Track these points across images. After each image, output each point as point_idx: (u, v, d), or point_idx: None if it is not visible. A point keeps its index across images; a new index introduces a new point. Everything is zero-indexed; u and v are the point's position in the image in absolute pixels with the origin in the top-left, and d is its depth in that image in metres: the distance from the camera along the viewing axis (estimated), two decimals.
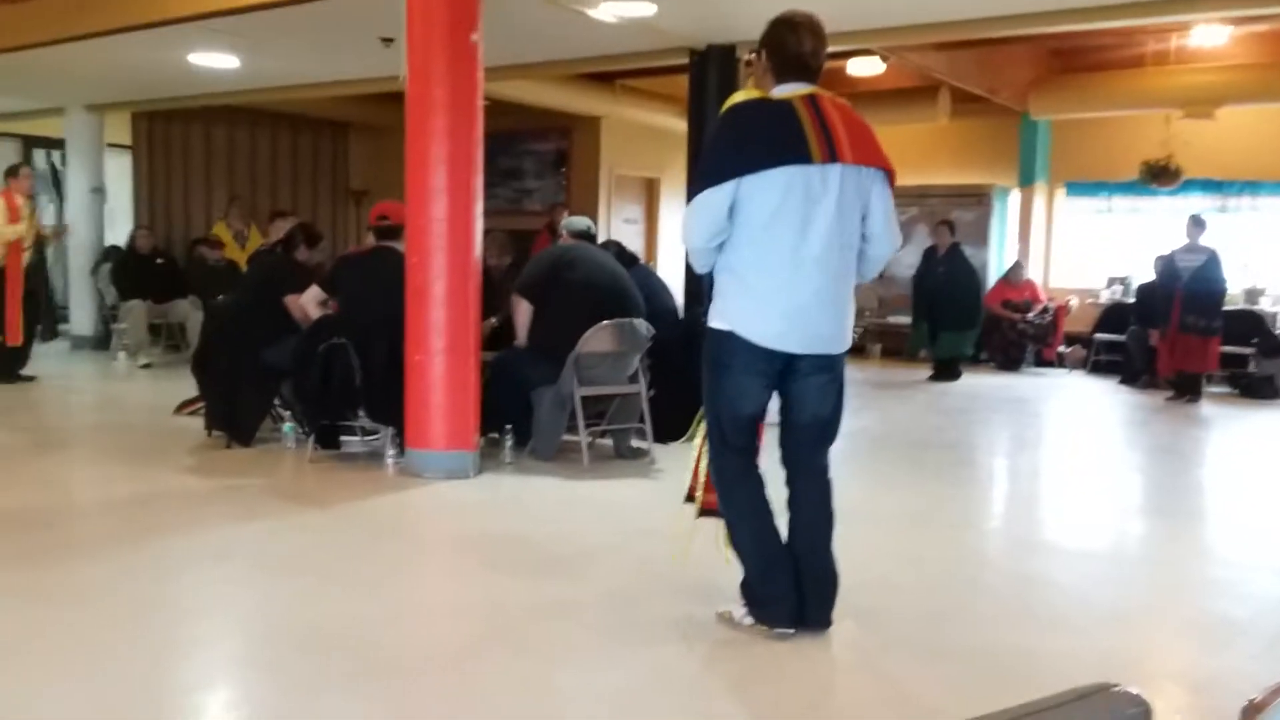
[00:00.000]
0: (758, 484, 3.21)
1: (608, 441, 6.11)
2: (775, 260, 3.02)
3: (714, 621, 3.28)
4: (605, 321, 5.58)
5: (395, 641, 3.20)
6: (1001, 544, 4.78)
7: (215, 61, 8.80)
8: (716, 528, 3.33)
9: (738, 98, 3.13)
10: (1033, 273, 11.93)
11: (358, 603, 3.50)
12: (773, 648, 3.11)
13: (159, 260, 10.83)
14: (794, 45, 3.10)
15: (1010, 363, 11.43)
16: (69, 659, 2.94)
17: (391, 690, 2.79)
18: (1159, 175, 11.10)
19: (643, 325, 5.76)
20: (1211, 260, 9.22)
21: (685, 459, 3.55)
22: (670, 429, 5.95)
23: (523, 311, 5.78)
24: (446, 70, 5.25)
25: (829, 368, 3.15)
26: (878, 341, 12.59)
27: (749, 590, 3.22)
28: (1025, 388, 10.19)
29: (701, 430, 3.35)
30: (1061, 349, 11.61)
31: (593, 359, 5.61)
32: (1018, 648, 3.19)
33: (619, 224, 13.13)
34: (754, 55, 3.23)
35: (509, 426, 5.75)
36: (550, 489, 5.27)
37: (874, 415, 8.03)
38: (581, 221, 6.39)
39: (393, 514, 4.82)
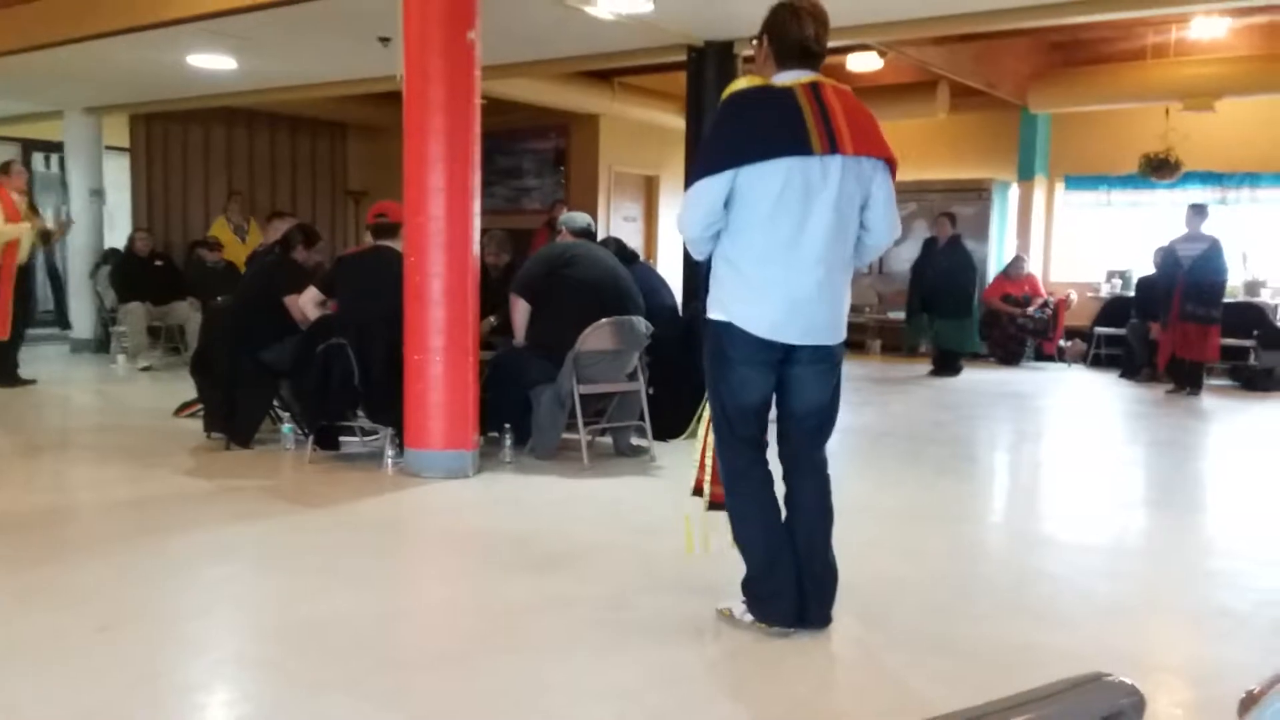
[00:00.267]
0: (765, 479, 3.19)
1: (607, 440, 6.11)
2: (773, 251, 3.01)
3: (714, 619, 3.28)
4: (604, 319, 5.58)
5: (395, 640, 3.20)
6: (1002, 538, 4.78)
7: (213, 63, 8.81)
8: (723, 522, 3.30)
9: (739, 84, 3.09)
10: (1032, 267, 11.93)
11: (358, 601, 3.50)
12: (773, 645, 3.10)
13: (158, 262, 10.84)
14: (796, 31, 3.06)
15: (1010, 357, 11.43)
16: (68, 659, 2.93)
17: (392, 689, 2.79)
18: (1159, 168, 11.09)
19: (641, 323, 5.75)
20: (1213, 249, 9.21)
21: (686, 456, 3.55)
22: (670, 426, 5.95)
23: (520, 310, 5.77)
24: (443, 69, 5.24)
25: (827, 357, 3.14)
26: (877, 337, 12.59)
27: (750, 587, 3.21)
28: (1025, 382, 10.19)
29: (705, 424, 3.33)
30: (1062, 343, 11.61)
31: (592, 357, 5.60)
32: (1018, 641, 3.19)
33: (618, 222, 13.13)
34: (755, 41, 3.19)
35: (508, 425, 5.74)
36: (550, 487, 5.26)
37: (874, 411, 8.03)
38: (581, 218, 6.35)
39: (392, 514, 4.82)
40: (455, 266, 5.28)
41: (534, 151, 13.35)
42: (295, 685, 2.82)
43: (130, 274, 10.53)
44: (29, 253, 8.41)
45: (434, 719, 2.63)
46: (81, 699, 2.69)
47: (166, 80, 9.71)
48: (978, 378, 10.29)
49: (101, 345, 11.23)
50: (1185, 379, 9.34)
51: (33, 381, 8.52)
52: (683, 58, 7.98)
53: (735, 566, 3.23)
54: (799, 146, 2.95)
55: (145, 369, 9.80)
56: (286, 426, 6.02)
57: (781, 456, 3.24)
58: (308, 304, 5.81)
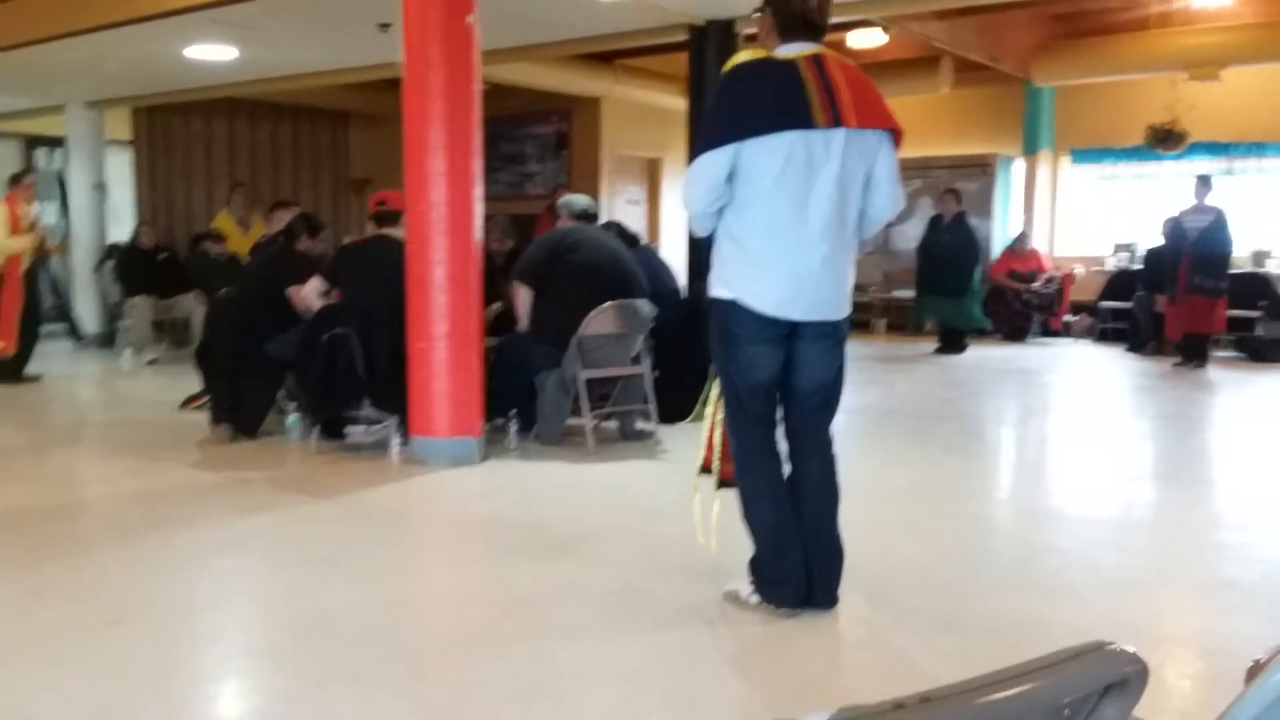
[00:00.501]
0: (775, 458, 3.18)
1: (613, 424, 6.10)
2: (777, 227, 2.98)
3: (721, 601, 3.28)
4: (607, 303, 5.56)
5: (405, 629, 3.20)
6: (1009, 514, 4.77)
7: (213, 54, 8.79)
8: (732, 504, 3.29)
9: (741, 57, 3.06)
10: (1038, 242, 11.89)
11: (366, 591, 3.50)
12: (781, 625, 3.10)
13: (162, 256, 10.85)
14: (799, 2, 3.02)
15: (1016, 333, 11.40)
16: (80, 654, 2.94)
17: (401, 677, 2.79)
18: (1165, 139, 11.02)
19: (645, 306, 5.74)
20: (1219, 220, 9.16)
21: (690, 439, 3.54)
22: (675, 409, 5.95)
23: (523, 297, 5.76)
24: (443, 54, 5.22)
25: (831, 333, 3.12)
26: (883, 316, 12.55)
27: (757, 567, 3.20)
28: (1031, 358, 10.16)
29: (713, 403, 3.32)
30: (1068, 318, 11.57)
31: (595, 341, 5.59)
32: (1027, 617, 3.18)
33: (621, 205, 13.10)
34: (757, 14, 3.16)
35: (513, 412, 5.74)
36: (556, 473, 5.26)
37: (880, 389, 8.02)
38: (581, 201, 6.29)
39: (399, 502, 4.82)
40: (458, 253, 5.27)
41: (536, 136, 13.31)
42: (305, 675, 2.83)
43: (134, 268, 10.54)
44: (29, 262, 8.41)
45: (444, 707, 2.63)
46: (93, 693, 2.70)
47: (167, 72, 9.69)
48: (984, 354, 10.26)
49: (107, 340, 11.25)
50: (1192, 352, 9.31)
51: (39, 377, 8.54)
52: (684, 37, 7.93)
53: (742, 548, 3.22)
54: (802, 119, 2.93)
55: (151, 362, 9.82)
56: (292, 417, 6.03)
57: (787, 435, 3.22)
58: (311, 294, 5.80)
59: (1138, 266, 10.96)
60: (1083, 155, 12.20)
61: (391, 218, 5.78)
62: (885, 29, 9.40)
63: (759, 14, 3.14)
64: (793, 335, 3.08)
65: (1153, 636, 3.10)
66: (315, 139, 13.78)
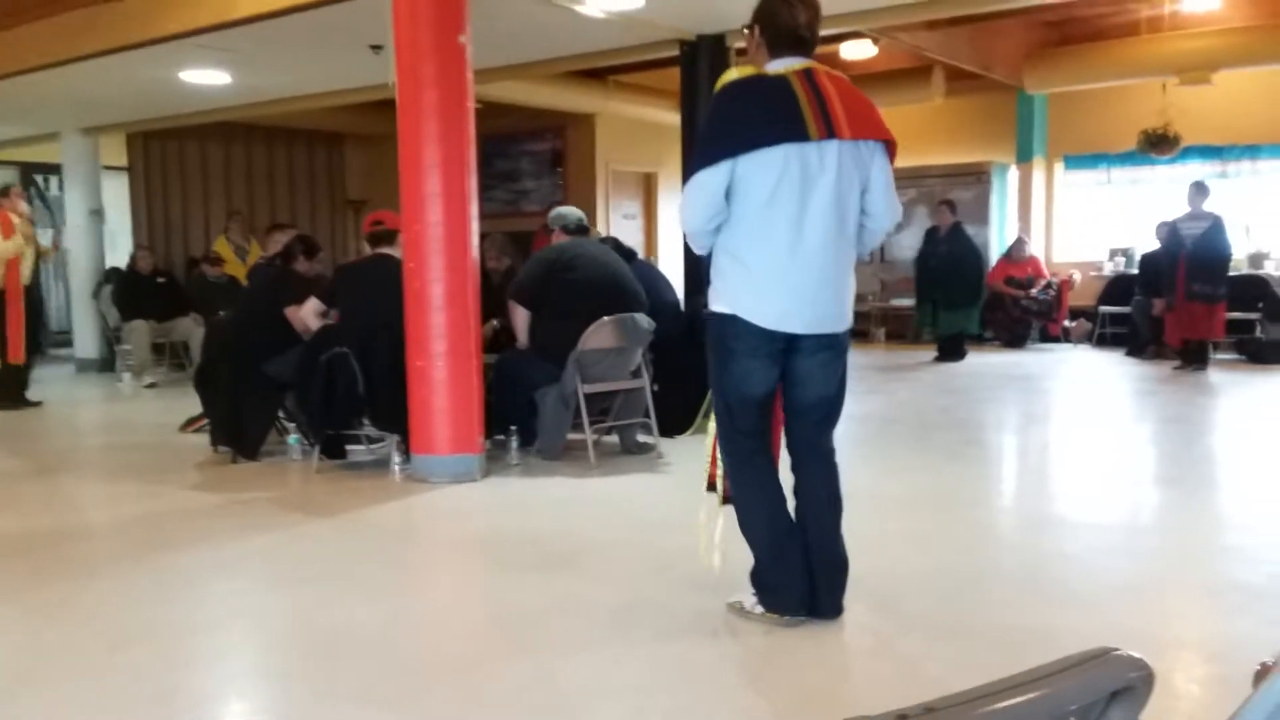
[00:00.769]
0: (769, 469, 3.17)
1: (613, 438, 6.10)
2: (775, 241, 2.98)
3: (726, 612, 3.27)
4: (606, 318, 5.56)
5: (409, 647, 3.19)
6: (1012, 521, 4.76)
7: (207, 79, 8.81)
8: (732, 516, 3.29)
9: (731, 75, 3.07)
10: (1034, 248, 11.89)
11: (369, 609, 3.49)
12: (786, 636, 3.09)
13: (160, 279, 10.85)
14: (787, 18, 3.04)
15: (1015, 340, 11.41)
16: (82, 677, 2.93)
17: (405, 694, 2.78)
18: (1157, 144, 11.04)
19: (644, 319, 5.73)
20: (1215, 226, 9.17)
21: (692, 452, 3.53)
22: (676, 422, 5.95)
23: (520, 317, 5.75)
24: (436, 74, 5.23)
25: (832, 345, 3.12)
26: (881, 325, 12.56)
27: (759, 578, 3.19)
28: (1031, 364, 10.16)
29: (714, 418, 3.32)
30: (1066, 323, 11.58)
31: (595, 355, 5.59)
32: (1032, 624, 3.17)
33: (618, 220, 13.12)
34: (746, 31, 3.17)
35: (514, 428, 5.73)
36: (558, 488, 5.26)
37: (880, 398, 8.01)
38: (573, 214, 6.21)
39: (401, 520, 4.82)
40: (455, 271, 5.27)
41: (531, 153, 13.34)
42: (309, 694, 2.82)
43: (133, 292, 10.55)
44: (30, 275, 8.41)
45: None
46: (96, 714, 2.69)
47: (162, 98, 9.71)
48: (983, 361, 10.26)
49: (106, 364, 11.25)
50: (1191, 356, 9.31)
51: (39, 403, 8.54)
52: (675, 53, 7.96)
53: (745, 560, 3.22)
54: (795, 133, 2.93)
55: (150, 386, 9.81)
56: (293, 437, 6.02)
57: (789, 447, 3.22)
58: (309, 315, 5.81)
59: (1134, 271, 10.96)
60: (1076, 161, 12.23)
61: (388, 237, 5.80)
62: (875, 41, 9.43)
63: (748, 31, 3.15)
64: (792, 349, 3.08)
65: (1159, 641, 3.09)
66: (311, 161, 13.81)
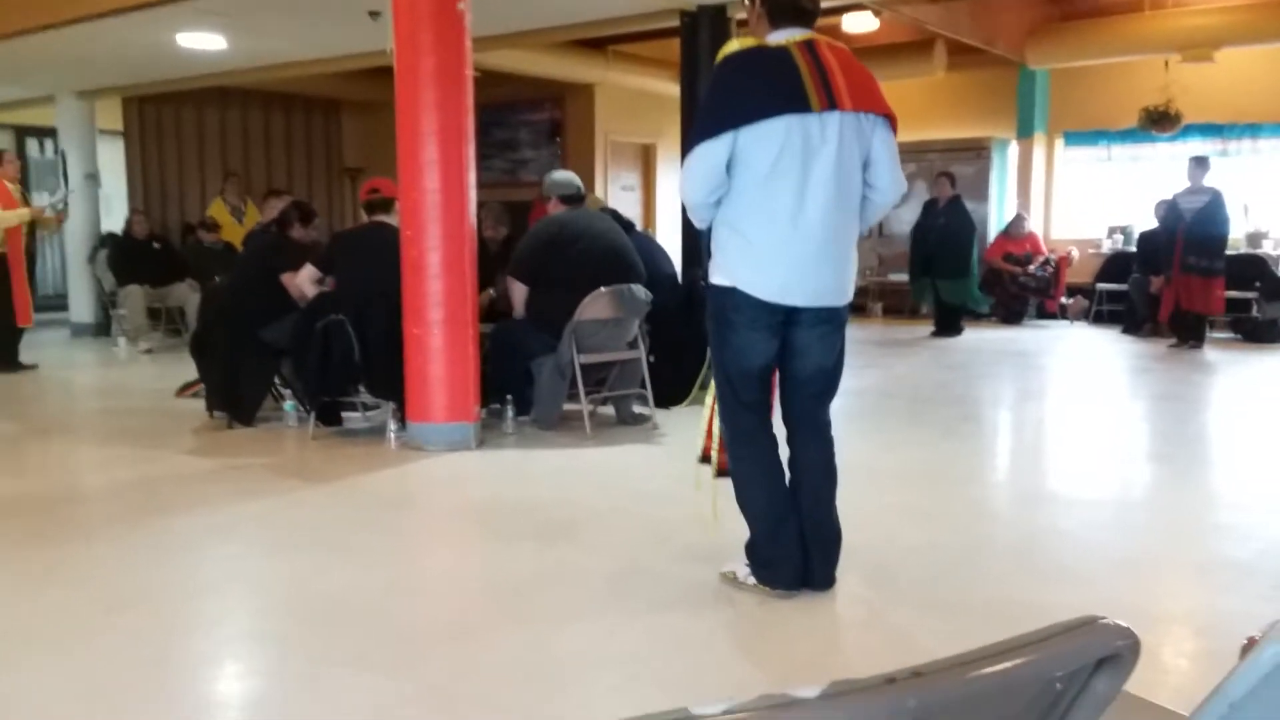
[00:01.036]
0: (770, 443, 3.18)
1: (609, 409, 6.10)
2: (776, 213, 2.97)
3: (719, 583, 3.28)
4: (603, 288, 5.55)
5: (403, 612, 3.21)
6: (1006, 496, 4.78)
7: (203, 42, 8.74)
8: (729, 488, 3.30)
9: (732, 46, 3.05)
10: (1033, 224, 11.87)
11: (364, 575, 3.51)
12: (779, 607, 3.11)
13: (155, 244, 10.82)
14: None
15: (1012, 316, 11.41)
16: (79, 639, 2.95)
17: (400, 659, 2.80)
18: (1159, 121, 11.00)
19: (641, 291, 5.72)
20: (1215, 201, 9.16)
21: (687, 423, 3.54)
22: (671, 394, 5.95)
23: (518, 291, 5.73)
24: (434, 41, 5.19)
25: (831, 319, 3.12)
26: (879, 300, 12.56)
27: (755, 552, 3.21)
28: (1028, 340, 10.17)
29: (712, 390, 3.32)
30: (1064, 300, 11.58)
31: (592, 326, 5.58)
32: (1025, 598, 3.19)
33: (616, 191, 13.07)
34: (747, 2, 3.15)
35: (509, 397, 5.74)
36: (553, 457, 5.27)
37: (877, 373, 8.02)
38: (568, 182, 6.03)
39: (396, 487, 4.83)
40: (452, 239, 5.26)
41: (530, 123, 13.26)
42: (304, 658, 2.83)
43: (128, 257, 10.53)
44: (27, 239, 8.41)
45: (444, 690, 2.64)
46: (92, 677, 2.70)
47: (158, 61, 9.64)
48: (980, 337, 10.27)
49: (102, 329, 11.24)
50: (1187, 332, 9.32)
51: (34, 366, 8.53)
52: (676, 23, 7.90)
53: (739, 531, 3.23)
54: (797, 103, 2.92)
55: (146, 351, 9.80)
56: (288, 404, 6.02)
57: (785, 419, 3.23)
58: (305, 282, 5.79)
59: (1132, 249, 10.95)
60: (1077, 138, 12.19)
61: (384, 205, 5.78)
62: (877, 13, 9.36)
63: (749, 1, 3.13)
64: (791, 322, 3.08)
65: (1150, 615, 3.11)
66: (308, 127, 13.73)
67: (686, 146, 3.09)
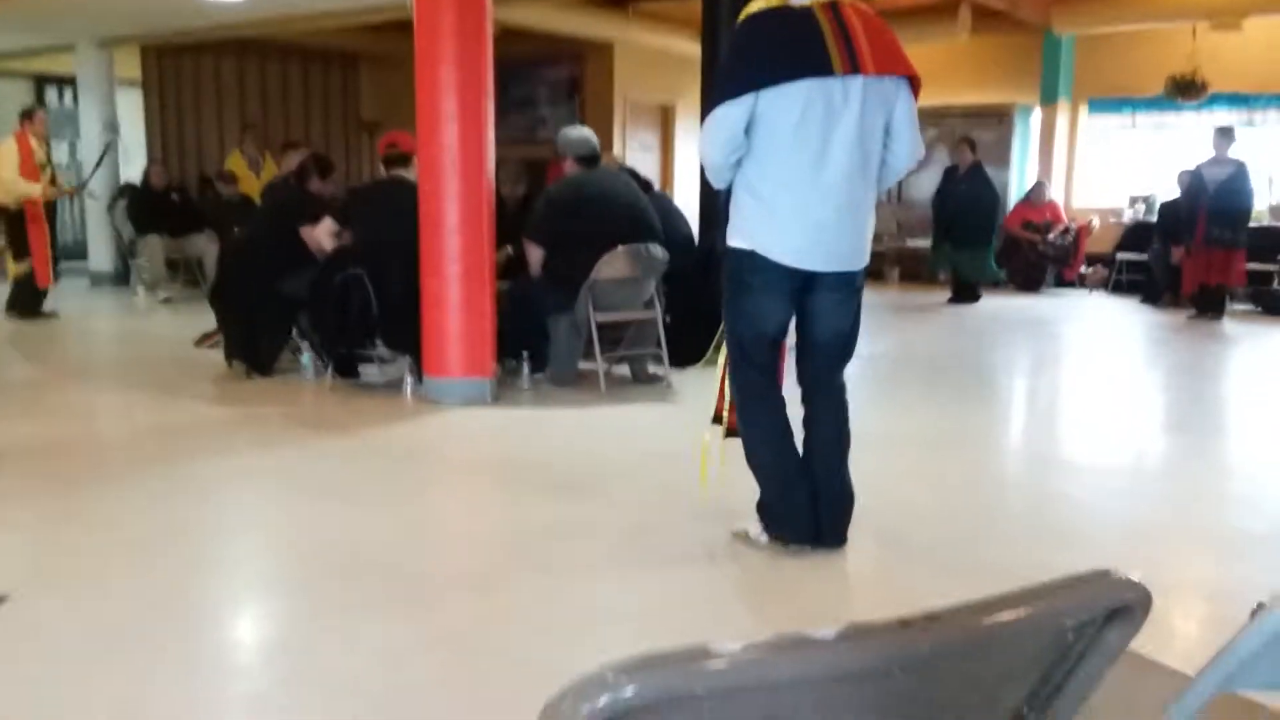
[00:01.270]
0: (778, 403, 3.20)
1: (624, 368, 6.12)
2: (796, 177, 2.97)
3: (731, 540, 3.31)
4: (620, 247, 5.54)
5: (418, 563, 3.25)
6: (1020, 463, 4.79)
7: None
8: (740, 448, 3.32)
9: (755, 6, 3.02)
10: (1054, 192, 11.77)
11: (380, 525, 3.55)
12: (790, 564, 3.14)
13: (174, 195, 10.85)
14: None
15: (1031, 284, 11.35)
16: (97, 581, 3.00)
17: (415, 610, 2.84)
18: (1185, 90, 10.85)
19: (658, 250, 5.71)
20: (1239, 172, 9.05)
21: (702, 383, 3.56)
22: (686, 354, 5.96)
23: (535, 253, 5.70)
24: None
25: (849, 283, 3.12)
26: (896, 265, 12.50)
27: (766, 509, 3.24)
28: (1045, 309, 10.13)
29: (724, 352, 3.34)
30: (1083, 269, 11.51)
31: (609, 285, 5.58)
32: (1036, 561, 3.21)
33: (634, 151, 13.00)
34: None
35: (526, 353, 5.76)
36: (568, 414, 5.30)
37: (893, 339, 8.01)
38: (584, 140, 5.86)
39: (412, 440, 4.87)
40: (470, 193, 5.25)
41: (548, 81, 13.18)
42: (321, 604, 2.88)
43: (147, 207, 10.56)
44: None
45: (456, 639, 2.68)
46: (111, 618, 2.76)
47: (179, 9, 9.60)
48: (998, 305, 10.23)
49: (121, 278, 11.30)
50: (1207, 304, 9.26)
51: (55, 314, 8.59)
52: None
53: (751, 489, 3.26)
54: (819, 67, 2.90)
55: (165, 301, 9.87)
56: (306, 355, 6.06)
57: (801, 382, 3.24)
58: (323, 234, 5.81)
59: (1154, 219, 10.86)
60: (1101, 105, 12.04)
61: (402, 159, 5.77)
62: None
63: None
64: (808, 286, 3.08)
65: (1160, 582, 3.08)
66: (326, 80, 13.68)
67: (706, 108, 3.07)
